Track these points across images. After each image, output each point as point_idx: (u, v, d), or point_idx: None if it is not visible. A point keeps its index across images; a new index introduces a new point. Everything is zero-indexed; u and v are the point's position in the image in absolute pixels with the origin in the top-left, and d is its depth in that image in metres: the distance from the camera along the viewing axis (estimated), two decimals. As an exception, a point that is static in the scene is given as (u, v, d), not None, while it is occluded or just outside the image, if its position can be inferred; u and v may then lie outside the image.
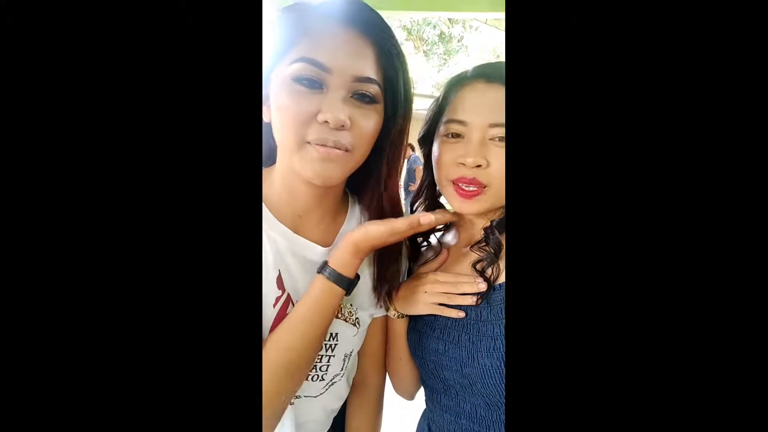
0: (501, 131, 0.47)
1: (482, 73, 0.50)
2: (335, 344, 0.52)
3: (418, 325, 0.56)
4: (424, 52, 13.27)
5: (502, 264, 0.50)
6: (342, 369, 0.54)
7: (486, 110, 0.48)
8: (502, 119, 0.47)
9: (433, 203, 0.61)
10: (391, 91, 0.48)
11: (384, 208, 0.52)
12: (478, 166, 0.48)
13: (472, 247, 0.52)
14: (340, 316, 0.52)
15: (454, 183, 0.50)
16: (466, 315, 0.50)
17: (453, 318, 0.51)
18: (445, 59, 13.31)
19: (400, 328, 0.58)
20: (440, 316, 0.52)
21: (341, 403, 0.59)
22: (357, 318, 0.54)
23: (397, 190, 0.53)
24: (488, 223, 0.52)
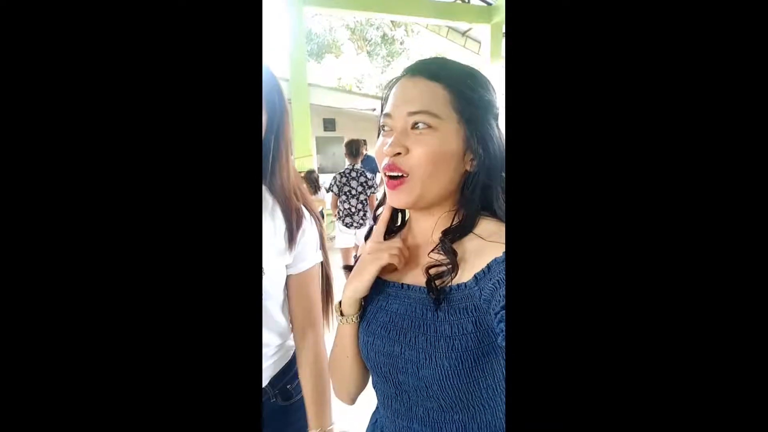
0: (419, 118, 0.48)
1: (409, 70, 0.52)
2: None
3: (371, 327, 0.54)
4: (367, 52, 13.36)
5: (465, 265, 0.49)
6: None
7: (406, 100, 0.49)
8: (419, 107, 0.48)
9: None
10: None
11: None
12: (397, 153, 0.48)
13: (430, 253, 0.51)
14: None
15: (384, 175, 0.50)
16: (422, 315, 0.49)
17: (408, 320, 0.50)
18: (389, 61, 13.52)
19: (349, 330, 0.56)
20: (395, 318, 0.51)
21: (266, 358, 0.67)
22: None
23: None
24: (438, 230, 0.52)
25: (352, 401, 0.60)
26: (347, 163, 3.08)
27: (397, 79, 0.53)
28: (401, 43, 13.29)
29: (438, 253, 0.50)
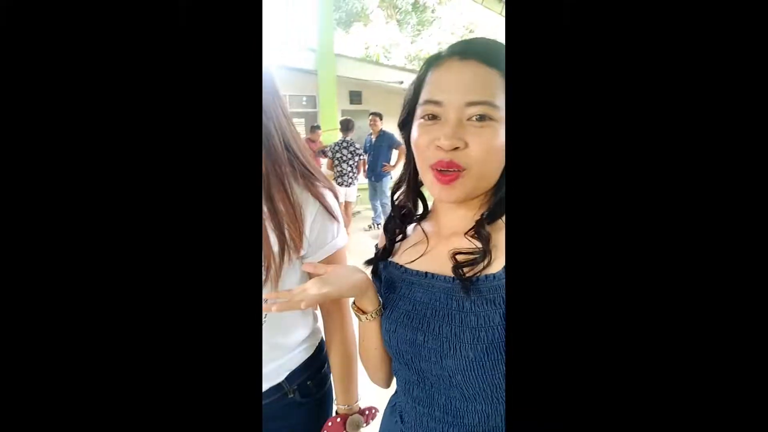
0: (479, 110, 0.44)
1: (456, 51, 0.46)
2: None
3: (393, 314, 0.52)
4: (397, 21, 12.88)
5: (497, 254, 0.46)
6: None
7: (461, 89, 0.45)
8: (479, 97, 0.44)
9: (415, 192, 0.56)
10: None
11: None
12: (456, 148, 0.44)
13: (466, 233, 0.49)
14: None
15: (432, 169, 0.46)
16: (447, 305, 0.47)
17: (432, 309, 0.48)
18: (419, 30, 13.01)
19: (371, 327, 0.55)
20: (418, 306, 0.50)
21: (276, 339, 0.64)
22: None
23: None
24: (478, 215, 0.49)
25: (387, 385, 0.61)
26: (340, 136, 4.06)
27: (438, 57, 0.48)
28: (433, 11, 12.70)
29: (471, 238, 0.48)
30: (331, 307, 0.68)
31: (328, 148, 4.16)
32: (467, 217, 0.50)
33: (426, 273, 0.51)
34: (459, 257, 0.47)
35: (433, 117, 0.46)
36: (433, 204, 0.57)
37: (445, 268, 0.49)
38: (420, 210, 0.58)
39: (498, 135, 0.44)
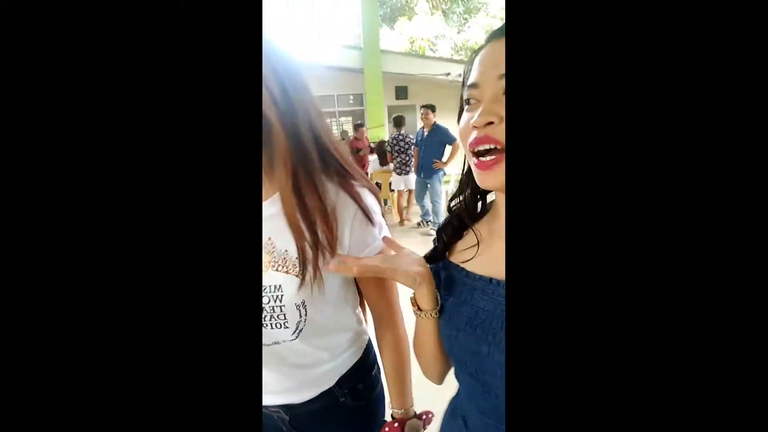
0: None
1: (494, 35, 0.45)
2: (281, 295, 0.57)
3: (454, 320, 0.49)
4: (442, 11, 12.60)
5: None
6: (301, 316, 0.58)
7: (495, 64, 0.42)
8: None
9: (474, 194, 0.53)
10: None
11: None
12: (489, 123, 0.41)
13: None
14: (280, 269, 0.57)
15: (472, 153, 0.44)
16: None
17: (498, 319, 0.45)
18: (466, 19, 12.62)
19: (428, 325, 0.53)
20: (482, 314, 0.46)
21: (320, 342, 0.63)
22: (298, 269, 0.56)
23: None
24: None
25: (440, 382, 0.59)
26: (393, 132, 4.57)
27: (482, 47, 0.46)
28: (479, -2, 12.25)
29: None
30: (382, 307, 0.66)
31: (387, 143, 4.78)
32: None
33: (491, 279, 0.47)
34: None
35: (473, 101, 0.44)
36: (494, 200, 0.52)
37: None
38: (479, 209, 0.55)
39: None
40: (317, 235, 0.55)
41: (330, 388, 0.65)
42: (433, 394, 0.64)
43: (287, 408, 0.65)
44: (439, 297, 0.52)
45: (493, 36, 0.45)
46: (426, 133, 4.06)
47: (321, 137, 0.57)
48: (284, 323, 0.58)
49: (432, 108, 4.01)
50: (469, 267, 0.50)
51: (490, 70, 0.42)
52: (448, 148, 3.96)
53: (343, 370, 0.66)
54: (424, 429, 0.67)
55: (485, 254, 0.50)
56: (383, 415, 0.72)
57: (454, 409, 0.57)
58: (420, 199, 4.37)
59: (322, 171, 0.56)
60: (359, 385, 0.68)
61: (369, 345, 0.72)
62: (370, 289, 0.66)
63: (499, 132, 0.41)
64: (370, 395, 0.69)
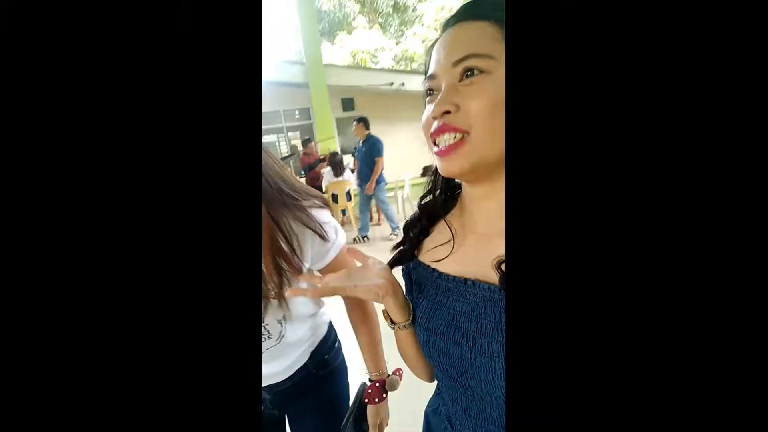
0: (465, 65, 0.39)
1: (448, 23, 0.43)
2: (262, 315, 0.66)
3: (431, 325, 0.47)
4: (379, 24, 12.96)
5: None
6: (282, 326, 0.69)
7: (449, 52, 0.40)
8: (462, 53, 0.39)
9: (446, 190, 0.52)
10: None
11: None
12: (446, 113, 0.40)
13: None
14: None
15: (432, 143, 0.42)
16: (494, 318, 0.41)
17: (477, 322, 0.42)
18: (403, 30, 13.07)
19: (403, 335, 0.51)
20: (459, 318, 0.44)
21: (299, 335, 0.73)
22: (273, 294, 0.64)
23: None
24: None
25: (431, 380, 0.58)
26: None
27: (438, 38, 0.45)
28: (413, 10, 12.76)
29: None
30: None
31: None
32: (500, 210, 0.43)
33: (465, 280, 0.44)
34: (505, 267, 0.40)
35: (431, 92, 0.43)
36: (461, 194, 0.50)
37: (488, 274, 0.42)
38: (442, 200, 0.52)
39: (495, 88, 0.38)
40: (280, 265, 0.62)
41: (304, 363, 0.76)
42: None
43: (269, 388, 0.75)
44: (411, 304, 0.51)
45: (446, 25, 0.44)
46: (361, 145, 4.08)
47: (278, 181, 0.62)
48: (267, 335, 0.68)
49: (364, 120, 4.03)
50: (441, 268, 0.48)
51: (444, 59, 0.41)
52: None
53: (314, 346, 0.77)
54: (400, 381, 0.76)
55: (458, 252, 0.47)
56: (347, 379, 0.84)
57: (437, 408, 0.55)
58: (362, 211, 4.26)
59: (285, 213, 0.62)
60: (326, 356, 0.79)
61: (329, 321, 0.83)
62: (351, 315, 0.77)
63: (459, 119, 0.39)
64: (335, 363, 0.81)
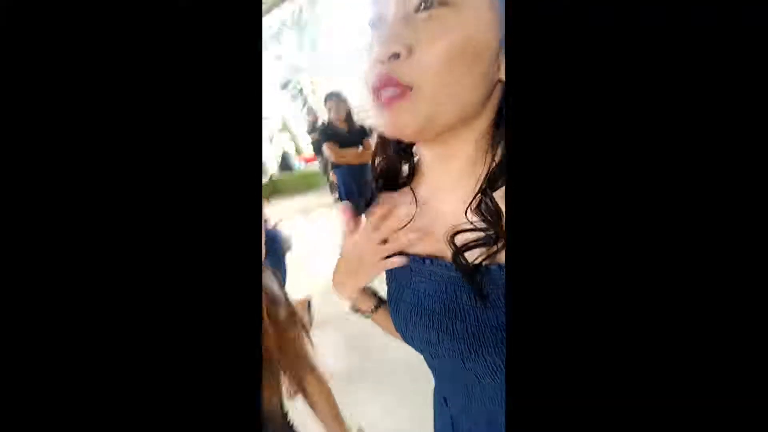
0: None
1: None
2: None
3: (400, 308, 0.42)
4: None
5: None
6: None
7: None
8: None
9: (398, 152, 0.43)
10: None
11: None
12: (394, 55, 0.30)
13: (467, 208, 0.35)
14: None
15: (375, 95, 0.32)
16: (455, 297, 0.37)
17: (440, 302, 0.38)
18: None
19: (379, 320, 0.48)
20: (424, 299, 0.40)
21: None
22: None
23: None
24: (473, 179, 0.35)
25: None
26: None
27: None
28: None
29: (475, 214, 0.34)
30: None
31: None
32: (460, 178, 0.37)
33: (424, 259, 0.39)
34: (458, 239, 0.35)
35: (377, 22, 0.33)
36: (417, 161, 0.42)
37: (445, 250, 0.37)
38: (406, 174, 0.44)
39: (460, 26, 0.30)
40: None
41: None
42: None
43: None
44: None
45: None
46: None
47: None
48: None
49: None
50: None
51: None
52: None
53: None
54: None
55: (418, 228, 0.40)
56: None
57: (438, 392, 0.53)
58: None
59: None
60: None
61: None
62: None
63: (407, 68, 0.30)
64: None
